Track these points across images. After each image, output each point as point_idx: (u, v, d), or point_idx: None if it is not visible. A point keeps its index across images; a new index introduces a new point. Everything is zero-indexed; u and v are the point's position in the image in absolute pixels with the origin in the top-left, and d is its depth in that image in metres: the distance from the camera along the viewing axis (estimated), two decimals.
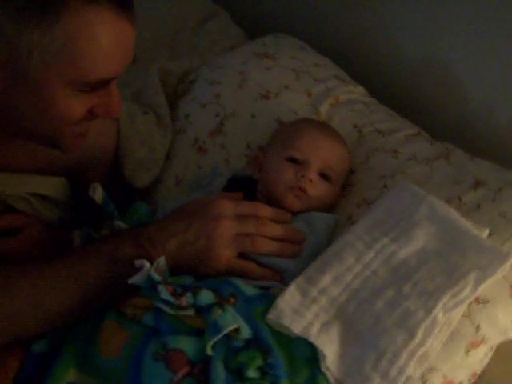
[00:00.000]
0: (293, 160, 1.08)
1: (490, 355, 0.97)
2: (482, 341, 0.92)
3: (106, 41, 0.85)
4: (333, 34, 1.56)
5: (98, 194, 1.07)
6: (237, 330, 0.84)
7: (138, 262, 0.88)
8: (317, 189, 1.07)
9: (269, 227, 0.99)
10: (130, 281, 0.87)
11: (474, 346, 0.91)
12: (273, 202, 1.06)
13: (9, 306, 0.89)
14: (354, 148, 1.21)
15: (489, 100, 1.30)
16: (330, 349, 0.85)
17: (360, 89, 1.36)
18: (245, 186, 1.11)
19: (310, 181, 1.06)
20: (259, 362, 0.83)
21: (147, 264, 0.87)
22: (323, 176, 1.08)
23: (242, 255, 0.97)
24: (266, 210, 1.01)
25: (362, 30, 1.50)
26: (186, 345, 0.85)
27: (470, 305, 0.92)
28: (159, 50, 1.62)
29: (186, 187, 1.23)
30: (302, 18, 1.63)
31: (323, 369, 0.84)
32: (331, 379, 0.84)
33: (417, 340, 0.85)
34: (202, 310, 0.87)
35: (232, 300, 0.88)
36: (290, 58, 1.35)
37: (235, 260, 0.96)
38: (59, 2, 0.80)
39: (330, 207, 1.12)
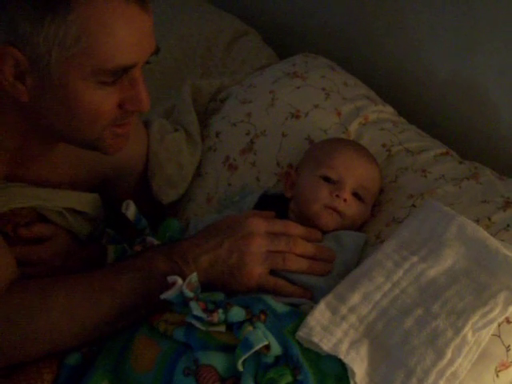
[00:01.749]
0: (327, 179, 1.08)
1: None
2: None
3: (117, 28, 0.86)
4: (362, 53, 1.57)
5: (130, 210, 1.09)
6: (267, 347, 0.84)
7: (170, 278, 0.89)
8: (351, 209, 1.07)
9: (300, 245, 0.99)
10: (162, 296, 0.89)
11: (504, 366, 0.90)
12: (305, 220, 1.07)
13: (45, 318, 0.91)
14: (383, 167, 1.21)
15: None
16: (359, 366, 0.84)
17: (389, 108, 1.36)
18: (276, 204, 1.12)
19: (345, 201, 1.06)
20: (289, 378, 0.83)
21: (179, 280, 0.88)
22: (356, 196, 1.08)
23: (272, 272, 0.98)
24: (297, 229, 1.02)
25: (391, 50, 1.51)
26: (216, 360, 0.86)
27: (500, 324, 0.91)
28: (191, 69, 1.64)
29: (217, 204, 1.25)
30: (332, 38, 1.64)
31: None
32: None
33: (446, 360, 0.85)
34: (232, 327, 0.88)
35: (263, 317, 0.88)
36: (320, 77, 1.36)
37: (266, 277, 0.97)
38: None
39: (360, 226, 1.12)
